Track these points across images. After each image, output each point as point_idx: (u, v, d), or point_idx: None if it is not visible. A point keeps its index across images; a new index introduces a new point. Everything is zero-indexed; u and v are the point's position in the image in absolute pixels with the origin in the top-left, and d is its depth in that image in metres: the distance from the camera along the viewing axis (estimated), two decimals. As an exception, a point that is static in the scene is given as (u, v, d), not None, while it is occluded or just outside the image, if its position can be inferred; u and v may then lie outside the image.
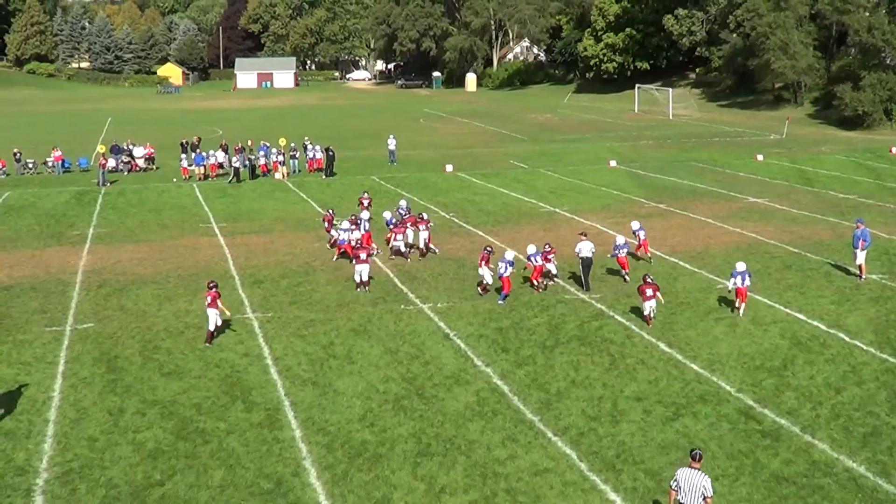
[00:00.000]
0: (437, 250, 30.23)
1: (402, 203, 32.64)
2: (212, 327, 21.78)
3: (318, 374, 19.71)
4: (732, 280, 23.50)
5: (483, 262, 25.38)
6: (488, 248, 25.86)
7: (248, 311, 24.09)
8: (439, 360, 20.44)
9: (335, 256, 29.71)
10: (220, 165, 49.80)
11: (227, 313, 22.39)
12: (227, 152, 51.71)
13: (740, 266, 23.59)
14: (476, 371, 19.81)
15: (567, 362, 20.24)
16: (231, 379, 19.56)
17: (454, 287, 26.40)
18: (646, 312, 22.82)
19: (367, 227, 30.18)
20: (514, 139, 68.05)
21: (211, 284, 22.19)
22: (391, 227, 30.67)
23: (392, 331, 22.54)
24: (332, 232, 30.46)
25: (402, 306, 24.55)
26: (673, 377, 19.28)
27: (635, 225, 29.57)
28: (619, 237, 28.23)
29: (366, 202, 34.00)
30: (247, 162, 48.54)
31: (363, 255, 26.28)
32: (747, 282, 23.43)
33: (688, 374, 19.42)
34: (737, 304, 23.65)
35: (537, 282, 25.71)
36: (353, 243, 28.38)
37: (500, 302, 24.59)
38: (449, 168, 50.41)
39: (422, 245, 30.31)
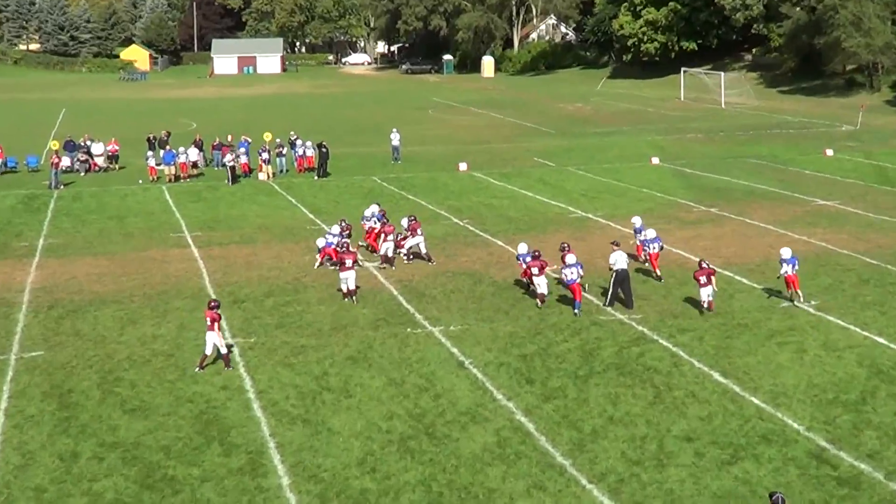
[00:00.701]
0: (406, 260, 30.69)
1: (368, 212, 32.83)
2: (209, 351, 21.86)
3: (309, 411, 19.60)
4: (783, 269, 25.32)
5: (540, 270, 25.96)
6: (538, 252, 26.38)
7: (227, 335, 23.98)
8: (452, 394, 20.31)
9: (317, 263, 30.27)
10: (194, 165, 49.87)
11: (222, 341, 22.24)
12: (201, 149, 51.83)
13: (786, 252, 25.57)
14: (496, 406, 19.68)
15: (603, 395, 20.10)
16: (206, 416, 19.45)
17: (469, 306, 26.30)
18: (703, 300, 24.91)
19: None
20: (539, 133, 67.94)
21: (212, 304, 22.26)
22: (381, 222, 31.53)
23: (396, 358, 22.44)
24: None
25: (409, 329, 24.48)
26: (730, 413, 19.11)
27: (637, 222, 30.24)
28: (649, 230, 28.92)
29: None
30: (224, 161, 48.64)
31: (349, 262, 26.70)
32: (797, 267, 25.58)
33: (747, 410, 19.24)
34: (789, 295, 25.62)
35: (528, 280, 27.00)
36: (338, 248, 28.73)
37: (576, 312, 25.28)
38: (462, 167, 50.37)
39: (423, 251, 30.91)
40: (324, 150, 48.92)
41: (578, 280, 25.42)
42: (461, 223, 37.11)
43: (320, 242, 31.05)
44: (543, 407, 19.60)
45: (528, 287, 27.19)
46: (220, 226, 37.65)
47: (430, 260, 30.83)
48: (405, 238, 31.25)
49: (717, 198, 41.11)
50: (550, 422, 18.90)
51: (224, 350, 21.97)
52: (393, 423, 19.00)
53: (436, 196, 43.01)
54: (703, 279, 25.00)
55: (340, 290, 27.12)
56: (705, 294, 24.95)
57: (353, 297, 26.72)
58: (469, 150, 57.99)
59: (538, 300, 26.23)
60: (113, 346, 23.68)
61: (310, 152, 50.68)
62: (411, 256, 30.98)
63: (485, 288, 28.08)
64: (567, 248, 27.19)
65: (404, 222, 31.93)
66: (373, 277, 29.40)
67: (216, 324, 21.90)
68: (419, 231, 31.08)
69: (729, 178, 45.94)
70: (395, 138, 53.96)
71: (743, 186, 43.86)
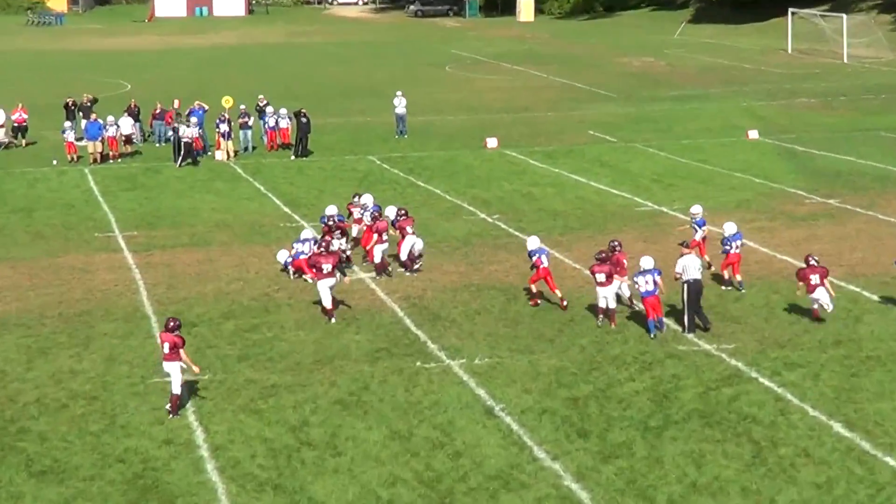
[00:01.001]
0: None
1: (330, 210, 32.79)
2: (177, 390, 21.83)
3: (282, 473, 19.54)
4: None
5: (608, 278, 26.02)
6: (605, 253, 26.55)
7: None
8: (478, 451, 20.23)
9: (295, 276, 30.55)
10: (128, 140, 49.89)
11: (196, 369, 22.43)
12: (137, 119, 51.74)
13: None
14: (537, 468, 19.58)
15: (683, 454, 19.99)
16: (143, 481, 19.38)
17: (501, 332, 26.23)
18: (815, 306, 25.49)
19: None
20: (596, 97, 67.82)
21: (171, 324, 22.23)
22: (373, 217, 31.73)
23: (401, 403, 22.34)
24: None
25: (418, 363, 24.40)
26: (856, 478, 18.95)
27: (697, 212, 30.97)
28: (728, 224, 29.23)
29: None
30: (170, 134, 48.56)
31: (326, 266, 26.79)
32: None
33: (881, 474, 19.07)
34: None
35: (555, 293, 27.54)
36: (319, 248, 28.93)
37: (653, 335, 25.52)
38: (491, 143, 50.40)
39: (409, 254, 31.00)
40: (303, 120, 48.85)
41: (657, 292, 25.49)
42: (490, 219, 37.09)
43: (282, 256, 31.30)
44: (602, 469, 19.49)
45: (541, 298, 27.61)
46: (163, 222, 37.67)
47: (407, 265, 30.92)
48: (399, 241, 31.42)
49: (838, 185, 40.99)
50: (611, 489, 18.79)
51: (177, 389, 21.92)
52: (396, 490, 18.91)
53: (455, 182, 43.01)
54: (814, 279, 25.33)
55: (321, 305, 27.22)
56: (816, 300, 25.45)
57: (332, 316, 26.96)
58: (500, 120, 57.96)
59: (599, 317, 26.32)
60: (16, 385, 23.57)
61: (284, 123, 50.70)
62: (415, 266, 31.04)
63: (521, 307, 27.98)
64: (618, 248, 27.35)
65: (391, 211, 32.10)
66: (369, 292, 29.37)
67: (180, 351, 21.85)
68: (410, 229, 31.07)
69: (854, 159, 45.77)
70: (401, 105, 53.86)
71: (872, 169, 43.70)
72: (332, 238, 30.28)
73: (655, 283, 25.46)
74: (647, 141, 51.15)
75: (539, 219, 37.06)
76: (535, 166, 45.96)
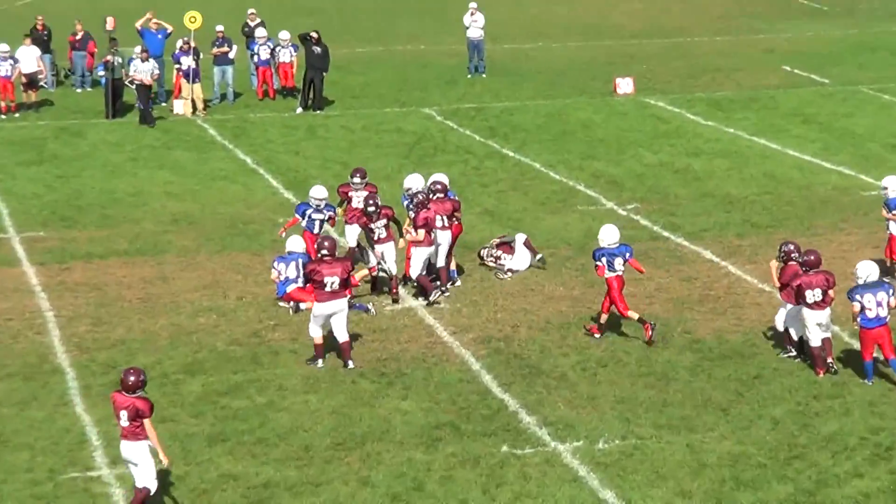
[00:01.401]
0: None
1: (317, 192, 32.91)
2: (148, 483, 21.44)
3: None
4: None
5: (824, 298, 25.90)
6: (813, 255, 26.29)
7: (100, 460, 23.79)
8: None
9: (291, 308, 30.81)
10: (30, 83, 50.42)
11: (165, 460, 21.71)
12: (48, 50, 52.38)
13: None
14: None
15: None
16: None
17: (641, 396, 26.04)
18: None
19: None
20: (795, 10, 67.75)
21: (131, 379, 21.58)
22: (418, 204, 31.71)
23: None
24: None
25: (506, 447, 24.08)
26: None
27: (891, 184, 31.54)
28: None
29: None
30: (100, 73, 48.95)
31: (331, 280, 26.93)
32: None
33: None
34: None
35: (634, 317, 27.97)
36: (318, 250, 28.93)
37: (867, 381, 25.69)
38: (624, 86, 50.92)
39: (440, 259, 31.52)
40: (317, 50, 49.35)
41: (888, 318, 25.17)
42: (621, 211, 37.35)
43: (279, 271, 31.54)
44: None
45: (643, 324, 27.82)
46: (88, 217, 38.07)
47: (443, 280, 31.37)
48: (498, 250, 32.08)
49: None
50: None
51: (146, 482, 21.42)
52: None
53: (566, 151, 43.40)
54: None
55: (314, 343, 27.33)
56: None
57: (348, 361, 27.22)
58: (638, 49, 58.45)
59: (820, 370, 26.21)
60: None
61: (286, 56, 51.36)
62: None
63: (674, 354, 27.85)
64: (795, 255, 27.05)
65: (415, 182, 32.40)
66: (423, 329, 29.48)
67: (145, 423, 21.33)
68: (442, 220, 31.47)
69: None
70: (476, 25, 54.39)
71: None
72: (374, 228, 30.80)
73: (889, 303, 25.21)
74: (879, 82, 51.17)
75: (703, 209, 37.26)
76: (695, 124, 46.18)
